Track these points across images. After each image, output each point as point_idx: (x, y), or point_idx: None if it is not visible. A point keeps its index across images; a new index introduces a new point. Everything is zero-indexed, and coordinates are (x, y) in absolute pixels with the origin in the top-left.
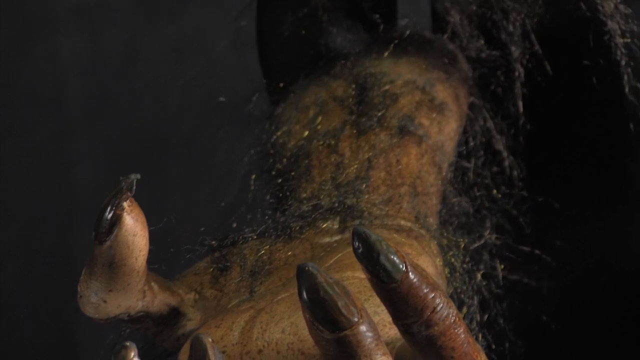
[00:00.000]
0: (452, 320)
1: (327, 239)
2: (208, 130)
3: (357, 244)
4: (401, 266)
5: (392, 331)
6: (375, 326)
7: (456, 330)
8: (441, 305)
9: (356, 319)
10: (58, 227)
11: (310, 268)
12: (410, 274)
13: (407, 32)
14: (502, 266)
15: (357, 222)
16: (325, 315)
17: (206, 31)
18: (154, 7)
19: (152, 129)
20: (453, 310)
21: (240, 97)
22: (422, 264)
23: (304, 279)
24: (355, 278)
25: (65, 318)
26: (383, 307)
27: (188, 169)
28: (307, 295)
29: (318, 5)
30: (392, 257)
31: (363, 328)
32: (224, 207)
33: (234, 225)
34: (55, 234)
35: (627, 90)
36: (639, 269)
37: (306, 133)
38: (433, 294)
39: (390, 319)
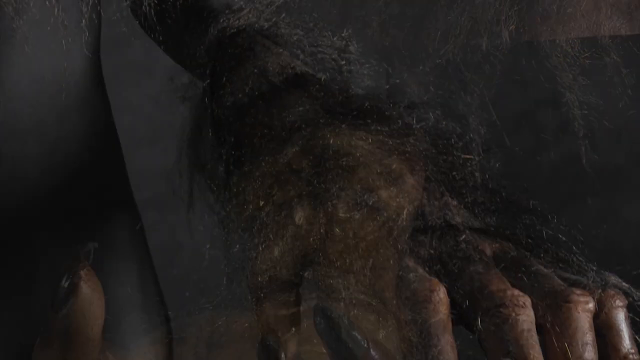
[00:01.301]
0: None
1: (283, 312)
2: (163, 196)
3: (318, 319)
4: (362, 342)
5: None
6: None
7: None
8: None
9: None
10: (17, 294)
11: (272, 343)
12: (371, 350)
13: (366, 104)
14: (457, 342)
15: (313, 295)
16: None
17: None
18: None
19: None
20: None
21: (194, 163)
22: (380, 339)
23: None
24: (313, 352)
25: None
26: None
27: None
28: None
29: (275, 74)
30: (353, 333)
31: None
32: (176, 275)
33: (187, 294)
34: (13, 301)
35: (584, 162)
36: None
37: (262, 203)
38: None
39: None
